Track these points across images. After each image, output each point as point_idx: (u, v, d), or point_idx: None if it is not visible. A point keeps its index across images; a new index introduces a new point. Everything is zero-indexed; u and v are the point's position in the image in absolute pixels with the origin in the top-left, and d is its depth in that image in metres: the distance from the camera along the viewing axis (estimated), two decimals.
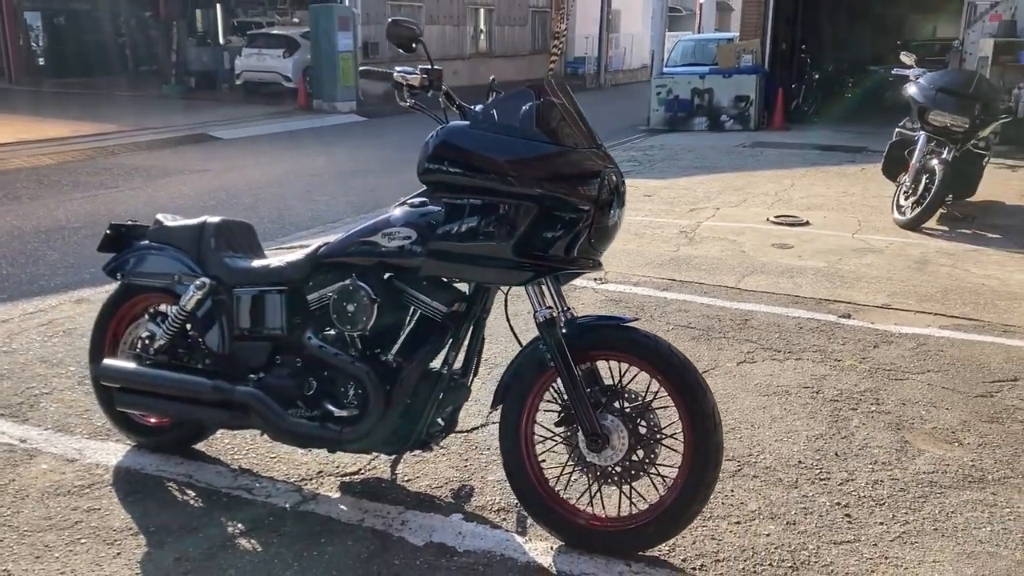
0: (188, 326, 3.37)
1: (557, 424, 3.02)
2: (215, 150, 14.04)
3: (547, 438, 3.04)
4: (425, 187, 3.06)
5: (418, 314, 3.03)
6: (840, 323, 5.26)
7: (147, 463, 3.51)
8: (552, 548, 2.96)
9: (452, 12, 23.22)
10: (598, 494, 2.97)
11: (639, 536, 2.89)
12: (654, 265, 6.66)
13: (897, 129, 9.12)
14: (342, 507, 3.21)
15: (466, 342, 3.10)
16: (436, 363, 3.05)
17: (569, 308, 2.96)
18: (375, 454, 3.43)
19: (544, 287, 2.93)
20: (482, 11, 24.80)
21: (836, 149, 13.43)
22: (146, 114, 17.97)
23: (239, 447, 3.65)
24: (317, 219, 8.74)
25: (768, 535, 3.03)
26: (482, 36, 24.80)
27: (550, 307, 2.90)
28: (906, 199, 8.12)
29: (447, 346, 3.05)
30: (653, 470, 2.91)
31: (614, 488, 2.96)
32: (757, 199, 9.49)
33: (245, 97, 21.71)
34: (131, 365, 3.39)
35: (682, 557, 2.91)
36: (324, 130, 17.00)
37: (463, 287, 3.08)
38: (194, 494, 3.28)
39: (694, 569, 2.85)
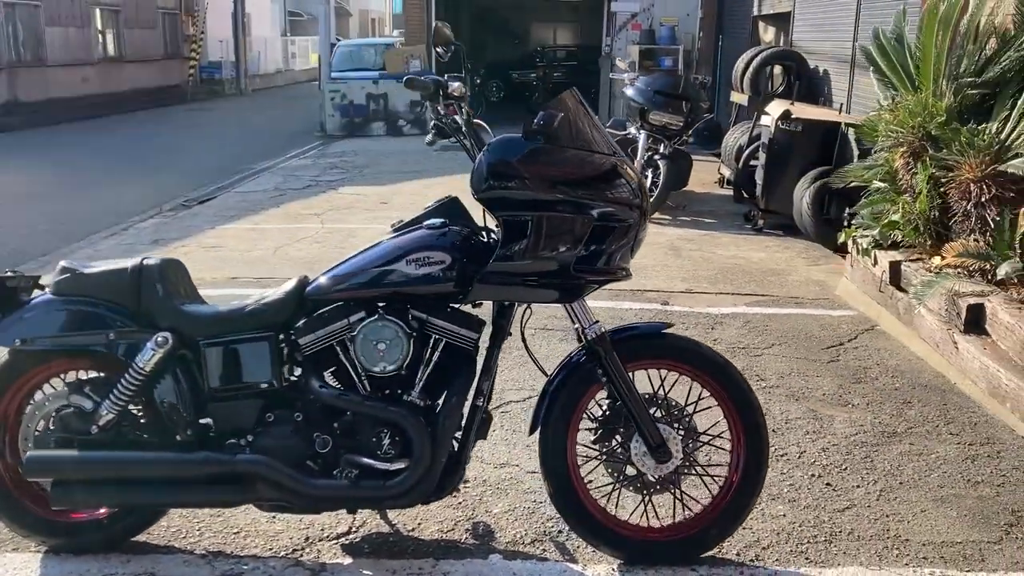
0: (141, 393, 2.76)
1: (594, 441, 2.94)
2: None
3: (591, 457, 2.94)
4: (431, 208, 2.84)
5: (441, 345, 2.78)
6: (667, 310, 5.64)
7: (82, 570, 2.82)
8: (614, 569, 2.88)
9: (74, 13, 20.85)
10: (650, 505, 2.94)
11: (701, 540, 2.91)
12: None
13: (606, 129, 9.87)
14: (365, 572, 2.85)
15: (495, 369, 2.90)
16: None
17: (597, 321, 2.89)
18: (353, 511, 3.07)
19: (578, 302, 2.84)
20: (107, 12, 22.58)
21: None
22: None
23: (186, 528, 3.07)
24: (21, 252, 7.48)
25: (784, 515, 3.21)
26: (110, 39, 22.58)
27: (596, 321, 2.82)
28: None
29: (478, 376, 2.83)
30: (704, 473, 2.94)
31: (653, 498, 2.94)
32: None
33: None
34: (72, 452, 2.71)
35: (735, 552, 2.98)
36: None
37: (479, 312, 2.88)
38: None
39: (753, 560, 2.94)
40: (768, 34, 12.44)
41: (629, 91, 9.00)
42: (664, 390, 2.91)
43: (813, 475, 3.50)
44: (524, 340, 2.92)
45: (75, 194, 10.43)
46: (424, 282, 2.69)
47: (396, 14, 47.89)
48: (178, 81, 25.52)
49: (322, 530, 3.07)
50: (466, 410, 2.80)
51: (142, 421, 2.80)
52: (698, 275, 6.53)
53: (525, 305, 2.88)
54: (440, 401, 2.81)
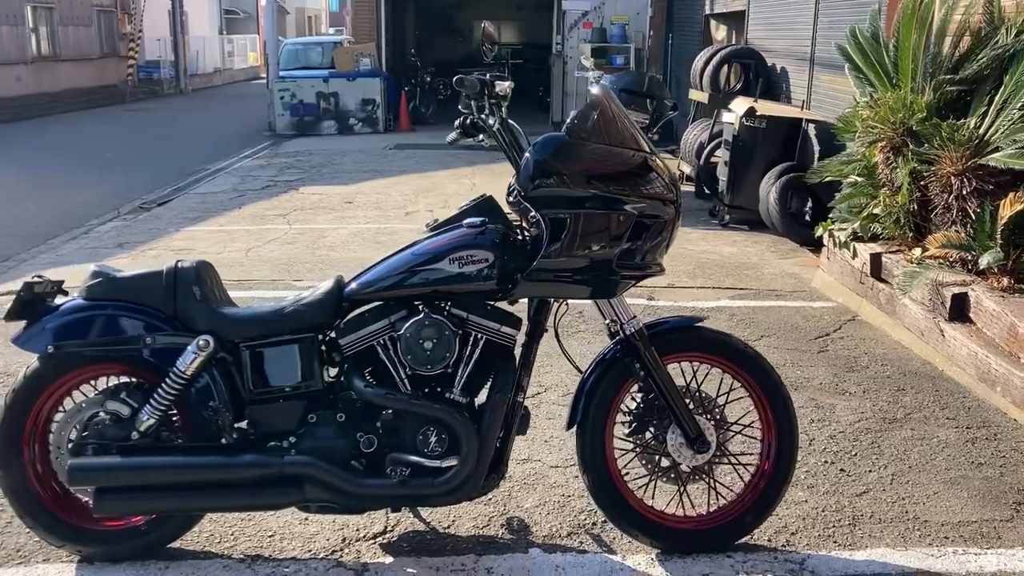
0: (181, 397, 2.73)
1: (629, 435, 2.99)
2: None
3: (627, 450, 2.99)
4: (470, 207, 2.86)
5: (482, 343, 2.80)
6: (653, 305, 5.72)
7: None
8: (652, 559, 2.94)
9: (7, 11, 20.23)
10: (685, 495, 3.00)
11: (738, 527, 2.98)
12: None
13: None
14: (409, 570, 2.86)
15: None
16: None
17: (634, 316, 2.94)
18: (386, 510, 3.07)
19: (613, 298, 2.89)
20: (40, 9, 21.93)
21: (478, 148, 14.07)
22: None
23: (219, 533, 3.04)
24: None
25: (807, 501, 3.30)
26: (44, 37, 21.94)
27: (634, 316, 2.87)
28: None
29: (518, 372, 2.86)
30: (737, 462, 3.01)
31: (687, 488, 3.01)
32: (457, 199, 9.73)
33: None
34: (118, 459, 2.66)
35: (766, 538, 3.06)
36: None
37: (514, 310, 2.91)
38: None
39: (784, 546, 3.02)
40: (720, 32, 12.65)
41: (595, 89, 9.06)
42: (696, 382, 2.98)
43: (826, 461, 3.61)
44: (558, 337, 2.95)
45: (26, 197, 10.15)
46: (468, 280, 2.71)
47: (333, 12, 47.55)
48: (115, 81, 24.89)
49: (358, 531, 3.07)
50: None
51: (178, 425, 2.76)
52: (677, 270, 6.62)
53: (562, 302, 2.91)
54: (478, 398, 2.84)
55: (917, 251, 5.08)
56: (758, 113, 8.08)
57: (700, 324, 2.99)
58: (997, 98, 4.75)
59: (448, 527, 3.10)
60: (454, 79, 2.86)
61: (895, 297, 5.10)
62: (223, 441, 2.73)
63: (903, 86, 5.12)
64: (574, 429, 2.93)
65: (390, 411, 2.76)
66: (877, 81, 5.42)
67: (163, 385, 2.69)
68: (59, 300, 2.82)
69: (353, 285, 2.81)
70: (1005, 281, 4.57)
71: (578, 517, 3.18)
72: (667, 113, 9.32)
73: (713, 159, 9.13)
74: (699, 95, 10.43)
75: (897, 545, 3.03)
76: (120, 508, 2.70)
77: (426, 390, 2.81)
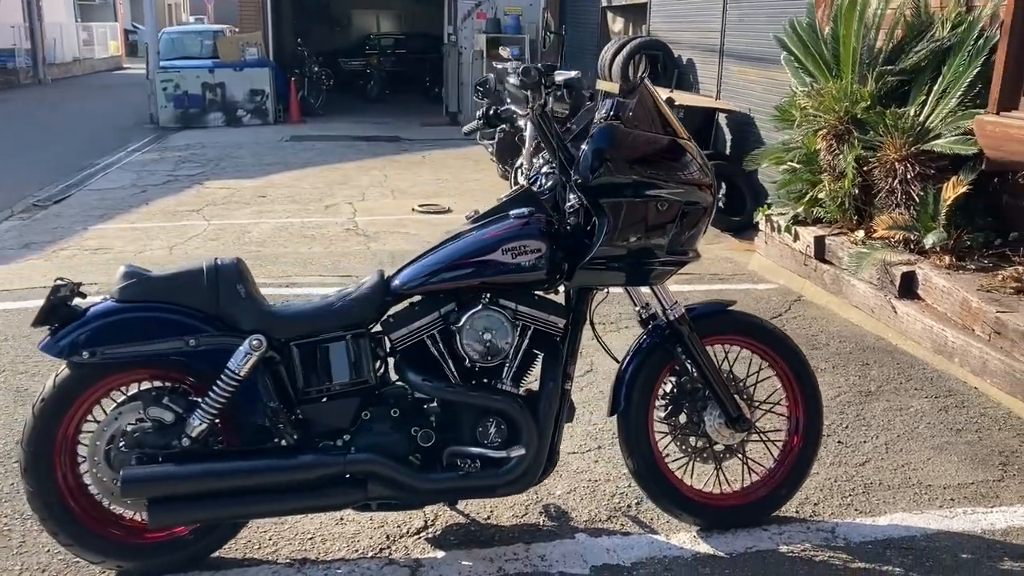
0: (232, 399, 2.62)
1: (665, 418, 3.06)
2: None
3: (665, 433, 3.06)
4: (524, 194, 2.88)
5: (530, 333, 2.81)
6: (610, 292, 5.81)
7: None
8: (695, 536, 3.02)
9: None
10: (721, 473, 3.10)
11: (773, 501, 3.10)
12: (378, 264, 6.52)
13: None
14: (464, 562, 2.84)
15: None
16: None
17: (676, 301, 3.01)
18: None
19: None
20: None
21: (377, 139, 13.97)
22: None
23: (256, 539, 2.94)
24: None
25: (818, 473, 3.46)
26: None
27: (676, 302, 2.95)
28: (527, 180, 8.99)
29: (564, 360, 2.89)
30: (768, 439, 3.13)
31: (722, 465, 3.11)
32: (373, 191, 9.64)
33: None
34: (174, 467, 2.53)
35: (794, 510, 3.19)
36: None
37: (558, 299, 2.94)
38: None
39: (812, 515, 3.17)
40: (617, 25, 12.91)
41: (513, 79, 9.12)
42: (728, 363, 3.08)
43: (824, 435, 3.77)
44: (593, 326, 2.99)
45: None
46: (522, 271, 2.71)
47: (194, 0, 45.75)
48: None
49: (398, 528, 3.03)
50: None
51: (220, 429, 2.65)
52: None
53: (600, 290, 2.96)
54: (523, 388, 2.85)
55: (860, 233, 5.36)
56: (676, 103, 8.31)
57: (731, 308, 3.09)
58: (936, 88, 5.07)
59: (487, 518, 3.10)
60: (521, 68, 2.84)
61: (841, 277, 5.37)
62: (279, 443, 2.64)
63: (844, 76, 5.39)
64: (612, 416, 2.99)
65: (439, 404, 2.74)
66: (817, 71, 5.68)
67: (214, 388, 2.58)
68: (78, 303, 2.66)
69: (397, 280, 2.76)
70: (947, 259, 4.89)
71: (611, 501, 3.23)
72: (585, 104, 9.49)
73: None
74: (608, 85, 10.61)
75: (913, 509, 3.22)
76: (177, 518, 2.57)
77: (472, 382, 2.80)
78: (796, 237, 5.79)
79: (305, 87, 17.49)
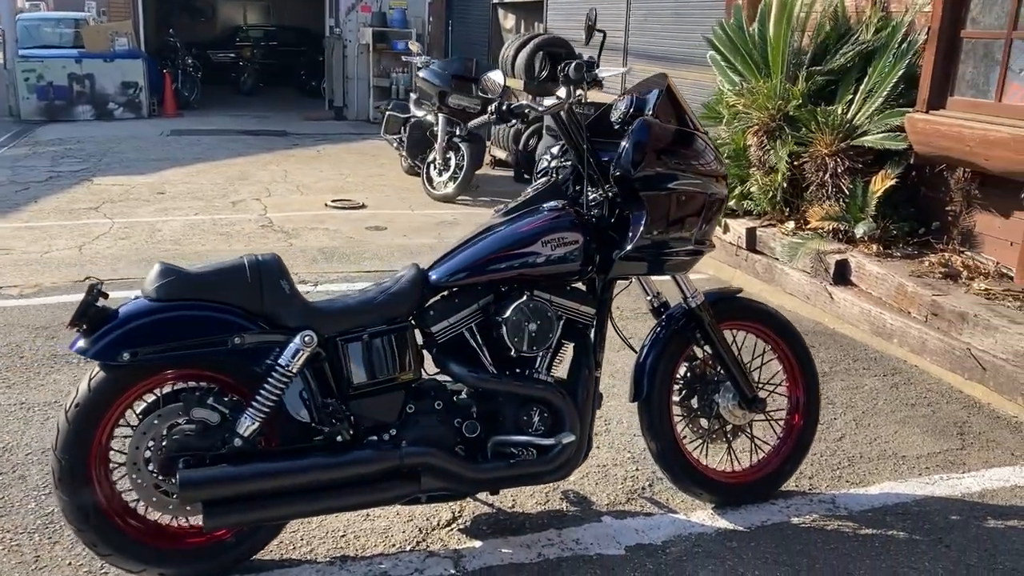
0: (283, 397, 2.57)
1: (680, 401, 3.19)
2: None
3: (680, 416, 3.19)
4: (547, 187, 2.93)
5: (561, 323, 2.89)
6: None
7: None
8: (712, 513, 3.16)
9: None
10: (732, 452, 3.25)
11: (780, 475, 3.28)
12: (307, 262, 6.41)
13: (388, 113, 9.95)
14: (504, 550, 2.88)
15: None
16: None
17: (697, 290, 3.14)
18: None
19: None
20: None
21: (263, 134, 13.60)
22: None
23: (288, 541, 2.88)
24: None
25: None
26: None
27: (697, 290, 3.08)
28: (439, 175, 9.01)
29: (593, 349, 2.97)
30: (771, 418, 3.31)
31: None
32: (278, 187, 9.40)
33: None
34: (232, 468, 2.46)
35: (794, 485, 3.38)
36: None
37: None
38: None
39: (811, 488, 3.37)
40: (508, 22, 13.05)
41: (424, 74, 9.11)
42: (737, 347, 3.23)
43: None
44: (611, 316, 3.08)
45: None
46: (560, 262, 2.78)
47: None
48: None
49: (428, 520, 3.03)
50: None
51: (271, 426, 2.59)
52: None
53: (628, 280, 3.07)
54: (556, 376, 2.92)
55: (791, 224, 5.67)
56: (586, 101, 8.49)
57: (740, 295, 3.25)
58: (863, 87, 5.42)
59: (512, 507, 3.14)
60: (573, 63, 2.90)
61: (773, 266, 5.67)
62: (321, 440, 2.60)
63: (775, 76, 5.69)
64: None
65: (479, 395, 2.77)
66: (746, 71, 5.96)
67: (265, 386, 2.52)
68: (105, 303, 2.54)
69: (435, 274, 2.77)
70: (875, 248, 5.25)
71: (625, 483, 3.33)
72: (494, 99, 9.57)
73: (531, 143, 9.48)
74: (512, 82, 10.72)
75: (896, 478, 3.47)
76: (234, 519, 2.49)
77: (507, 372, 2.84)
78: (726, 229, 6.06)
79: (179, 80, 16.82)
